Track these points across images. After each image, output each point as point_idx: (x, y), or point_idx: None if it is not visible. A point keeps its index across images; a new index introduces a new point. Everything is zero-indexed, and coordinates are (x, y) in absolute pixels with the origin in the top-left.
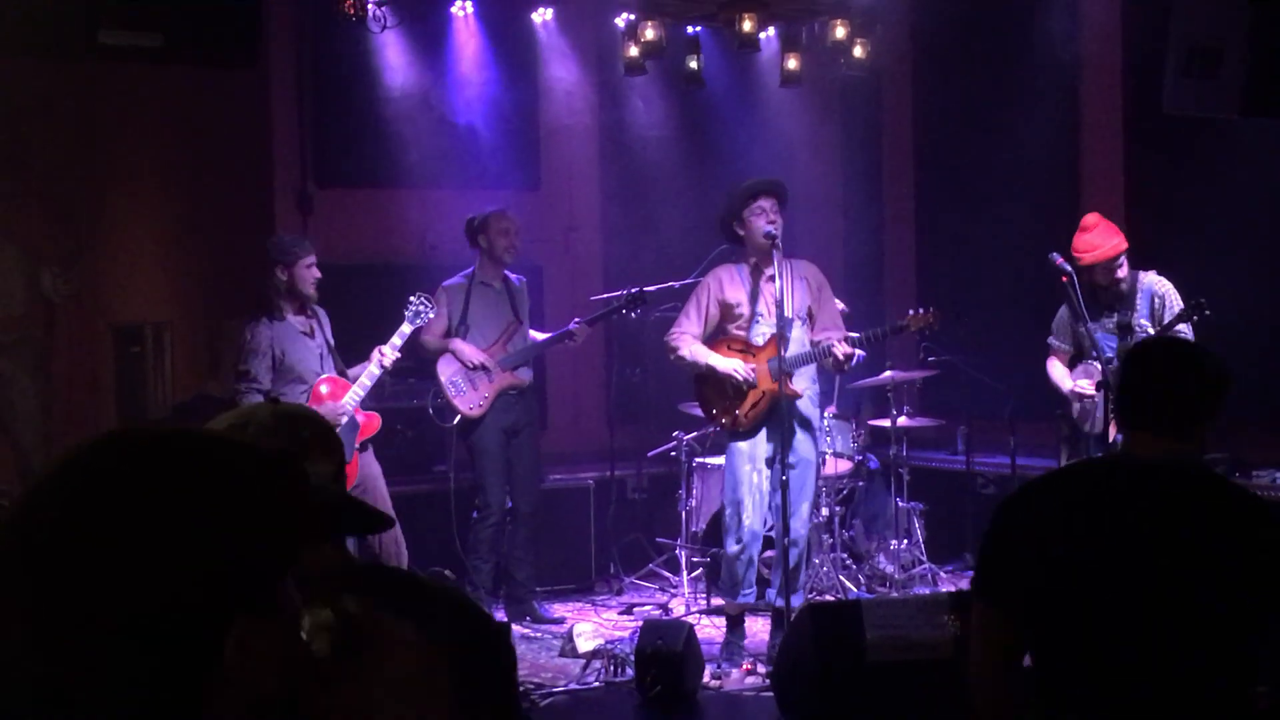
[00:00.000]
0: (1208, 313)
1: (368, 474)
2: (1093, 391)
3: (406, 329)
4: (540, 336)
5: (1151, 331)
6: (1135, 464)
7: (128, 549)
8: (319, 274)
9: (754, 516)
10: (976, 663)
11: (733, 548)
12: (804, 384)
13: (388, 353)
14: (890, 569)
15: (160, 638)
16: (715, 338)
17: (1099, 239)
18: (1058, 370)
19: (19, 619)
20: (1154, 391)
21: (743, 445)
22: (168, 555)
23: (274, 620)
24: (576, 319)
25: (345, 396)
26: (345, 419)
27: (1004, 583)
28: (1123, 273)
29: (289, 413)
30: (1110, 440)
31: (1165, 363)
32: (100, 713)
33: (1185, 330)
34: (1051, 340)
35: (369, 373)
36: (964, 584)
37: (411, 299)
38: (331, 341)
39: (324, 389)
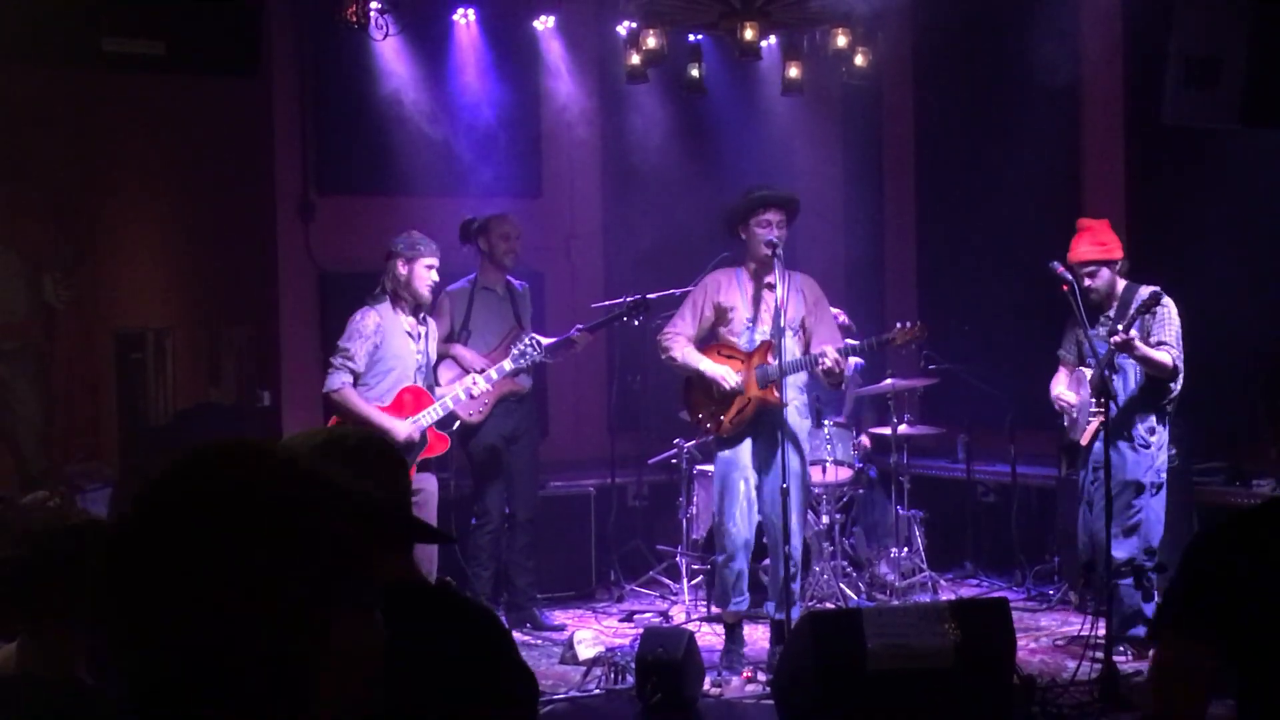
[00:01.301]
0: (1163, 304)
1: (424, 489)
2: (1071, 400)
3: (508, 366)
4: (544, 341)
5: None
6: None
7: (245, 546)
8: (438, 278)
9: (743, 525)
10: (1171, 701)
11: (720, 558)
12: (792, 393)
13: (480, 383)
14: (891, 577)
15: (275, 628)
16: (707, 341)
17: (1081, 242)
18: (1058, 380)
19: (143, 611)
20: None
21: (729, 454)
22: (282, 552)
23: (371, 617)
24: (578, 326)
25: (421, 414)
26: (415, 440)
27: (1212, 616)
28: (1094, 282)
29: (357, 442)
30: (1085, 445)
31: None
32: (221, 702)
33: (1161, 335)
34: (1060, 352)
35: (454, 396)
36: (964, 592)
37: (525, 337)
38: (434, 356)
39: (407, 397)
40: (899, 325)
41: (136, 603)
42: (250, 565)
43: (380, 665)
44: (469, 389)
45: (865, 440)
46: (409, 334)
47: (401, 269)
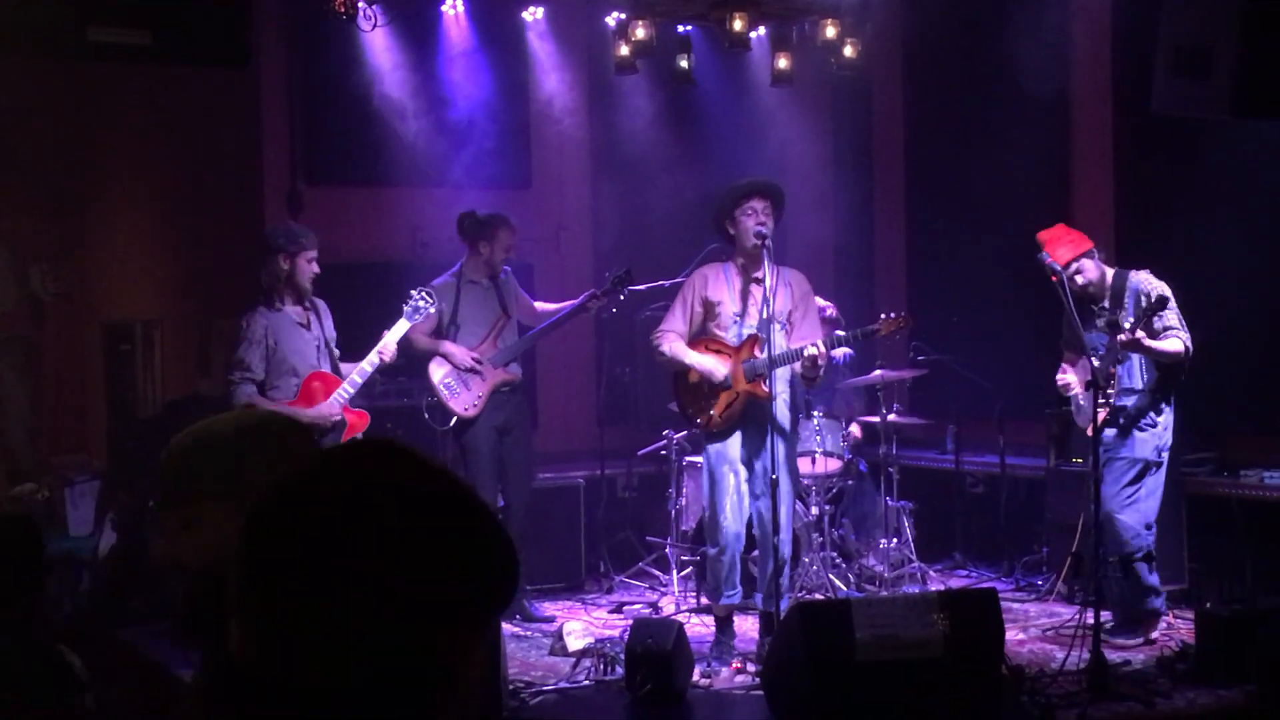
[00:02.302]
0: (1169, 307)
1: None
2: (1076, 389)
3: (404, 325)
4: (551, 307)
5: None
6: None
7: (393, 565)
8: (318, 269)
9: (733, 518)
10: None
11: (711, 550)
12: (780, 386)
13: (389, 349)
14: (880, 568)
15: (407, 652)
16: (697, 337)
17: (1052, 249)
18: (1066, 371)
19: (279, 615)
20: None
21: (718, 447)
22: (427, 576)
23: (483, 648)
24: (593, 290)
25: (333, 395)
26: (335, 419)
27: None
28: (1085, 277)
29: (264, 420)
30: (1090, 437)
31: None
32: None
33: (1165, 321)
34: (1062, 343)
35: (360, 370)
36: (953, 583)
37: (412, 293)
38: (331, 335)
39: (315, 384)
40: (884, 316)
41: (297, 593)
42: (426, 577)
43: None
44: (379, 358)
45: (856, 431)
46: (299, 325)
47: (284, 264)
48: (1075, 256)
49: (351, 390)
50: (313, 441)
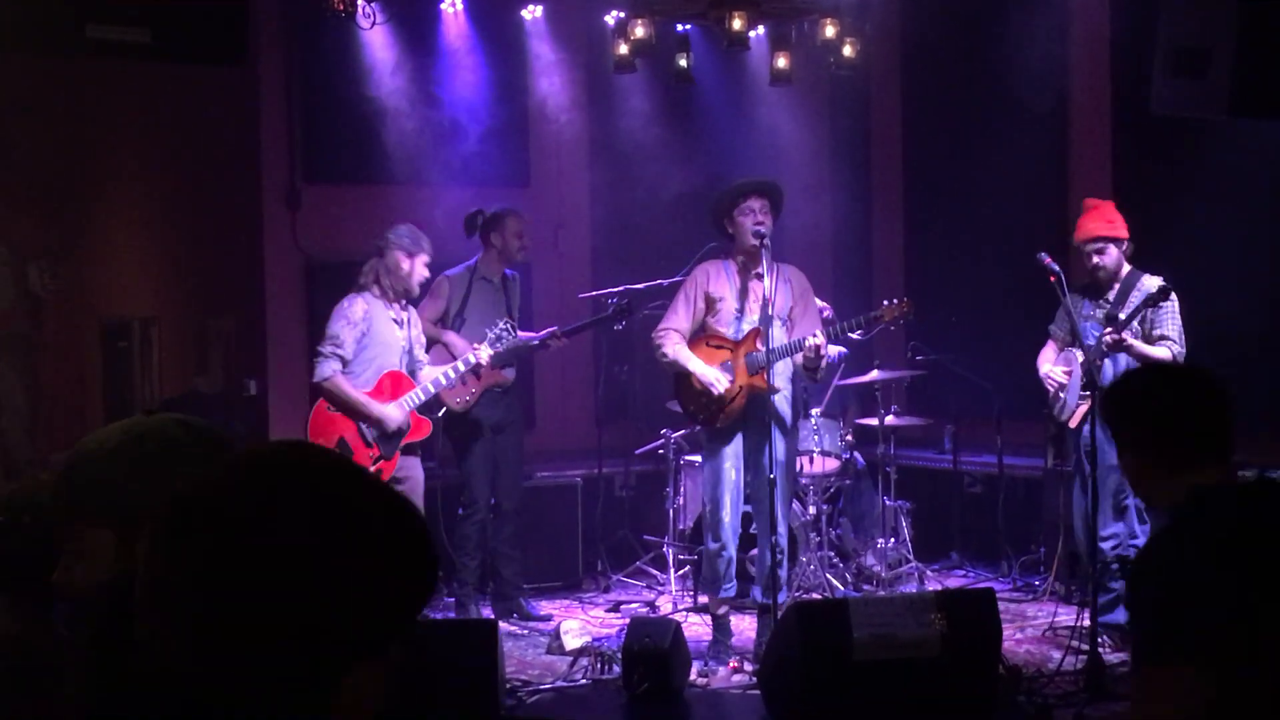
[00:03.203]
0: (1170, 299)
1: (408, 475)
2: (1060, 379)
3: (486, 352)
4: (523, 335)
5: (1133, 322)
6: (1233, 489)
7: (295, 578)
8: (428, 274)
9: (733, 513)
10: None
11: (712, 544)
12: (780, 382)
13: (471, 359)
14: (877, 567)
15: (307, 661)
16: (697, 333)
17: (1088, 220)
18: (1046, 356)
19: (183, 620)
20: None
21: (720, 443)
22: (328, 588)
23: (383, 668)
24: (554, 329)
25: (402, 399)
26: (399, 425)
27: (1210, 638)
28: (1102, 260)
29: (141, 437)
30: (1073, 428)
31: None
32: (238, 709)
33: (1163, 329)
34: (1051, 327)
35: (434, 379)
36: (950, 583)
37: (499, 322)
38: (421, 342)
39: (387, 382)
40: (886, 303)
41: (206, 587)
42: (334, 576)
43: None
44: (455, 369)
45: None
46: (394, 321)
47: (404, 262)
48: (1104, 236)
49: (423, 397)
50: (207, 460)
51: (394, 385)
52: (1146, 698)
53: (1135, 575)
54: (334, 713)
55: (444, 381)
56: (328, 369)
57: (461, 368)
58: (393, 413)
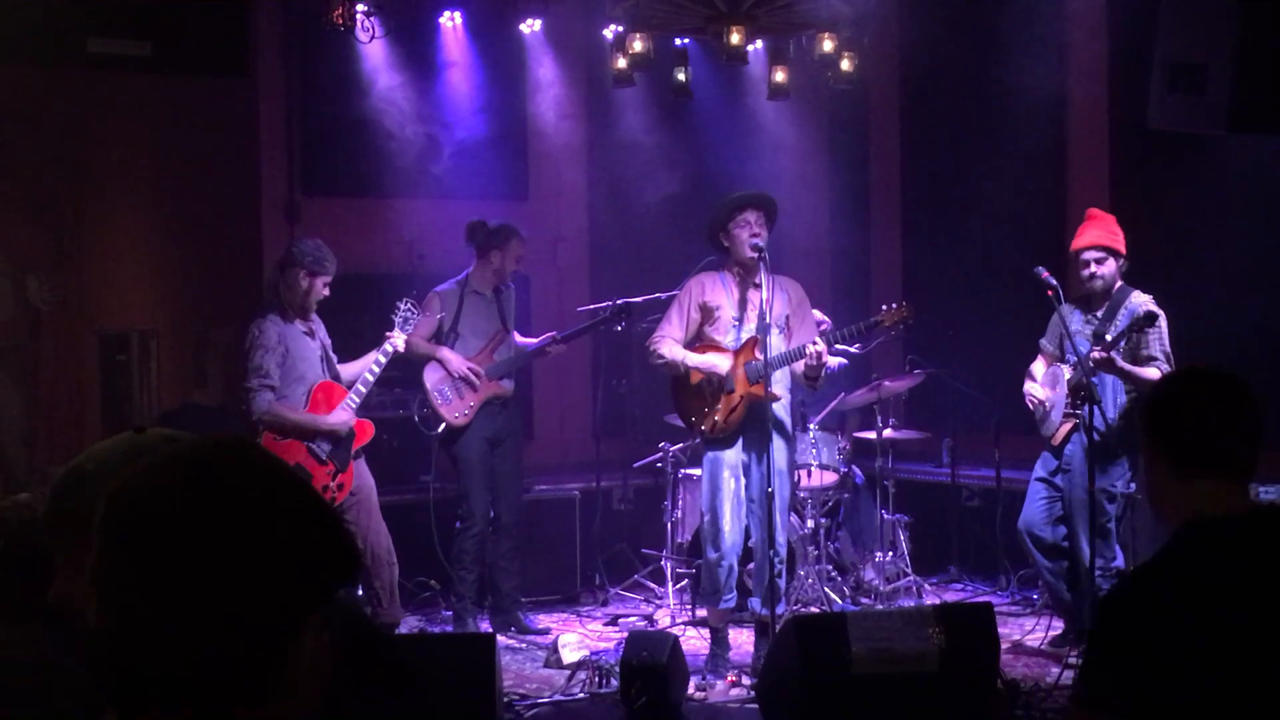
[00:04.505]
0: (1157, 324)
1: (362, 484)
2: (1041, 397)
3: (401, 337)
4: (522, 341)
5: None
6: (1233, 523)
7: (237, 552)
8: (328, 293)
9: (733, 524)
10: None
11: (712, 555)
12: (779, 390)
13: (397, 343)
14: (875, 581)
15: (258, 624)
16: (693, 343)
17: (1091, 228)
18: (1034, 371)
19: (132, 594)
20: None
21: (720, 453)
22: (266, 560)
23: (327, 634)
24: (554, 334)
25: (342, 404)
26: (350, 427)
27: (1137, 684)
28: (1100, 269)
29: (129, 453)
30: (1055, 446)
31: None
32: (186, 690)
33: (1151, 350)
34: (1042, 341)
35: (363, 379)
36: (949, 596)
37: (399, 305)
38: (329, 343)
39: (320, 394)
40: (885, 307)
41: (134, 579)
42: (250, 561)
43: (328, 683)
44: (378, 362)
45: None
46: (305, 334)
47: (303, 280)
48: (1105, 246)
49: (358, 400)
50: None
51: (327, 395)
52: None
53: (1101, 608)
54: (297, 671)
55: (370, 379)
56: (263, 402)
57: (382, 359)
58: (341, 417)
